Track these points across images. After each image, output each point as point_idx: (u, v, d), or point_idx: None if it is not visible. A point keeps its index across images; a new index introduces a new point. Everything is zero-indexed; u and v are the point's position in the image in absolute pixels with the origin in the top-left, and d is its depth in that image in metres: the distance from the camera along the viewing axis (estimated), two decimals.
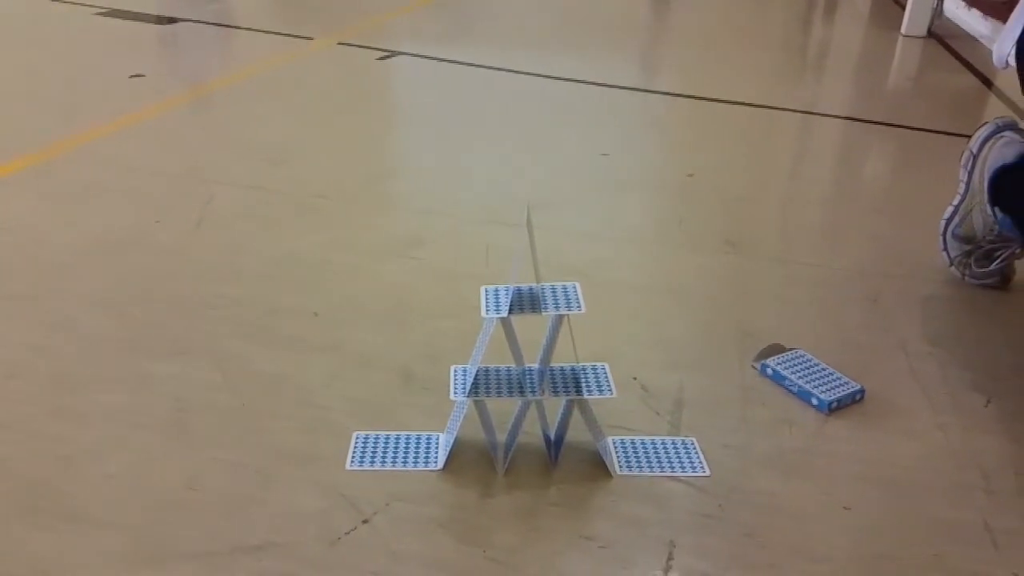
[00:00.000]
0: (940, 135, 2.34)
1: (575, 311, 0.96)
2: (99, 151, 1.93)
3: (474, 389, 1.01)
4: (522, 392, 1.01)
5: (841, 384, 1.19)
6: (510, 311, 0.97)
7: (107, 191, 1.72)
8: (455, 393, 1.02)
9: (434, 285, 1.44)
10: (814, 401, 1.16)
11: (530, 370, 1.03)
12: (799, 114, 2.49)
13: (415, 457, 1.04)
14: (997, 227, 1.45)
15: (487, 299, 0.99)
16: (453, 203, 1.76)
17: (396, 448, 1.05)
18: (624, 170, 1.98)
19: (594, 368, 1.04)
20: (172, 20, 3.17)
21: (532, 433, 1.08)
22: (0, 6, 3.19)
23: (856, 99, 2.69)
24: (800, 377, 1.19)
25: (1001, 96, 2.74)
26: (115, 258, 1.47)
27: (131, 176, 1.80)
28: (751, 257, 1.58)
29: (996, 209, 1.44)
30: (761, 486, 1.02)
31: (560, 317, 1.00)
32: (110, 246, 1.51)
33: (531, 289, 1.00)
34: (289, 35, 3.05)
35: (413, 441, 1.06)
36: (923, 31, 3.51)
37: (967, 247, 1.49)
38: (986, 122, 1.49)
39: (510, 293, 0.98)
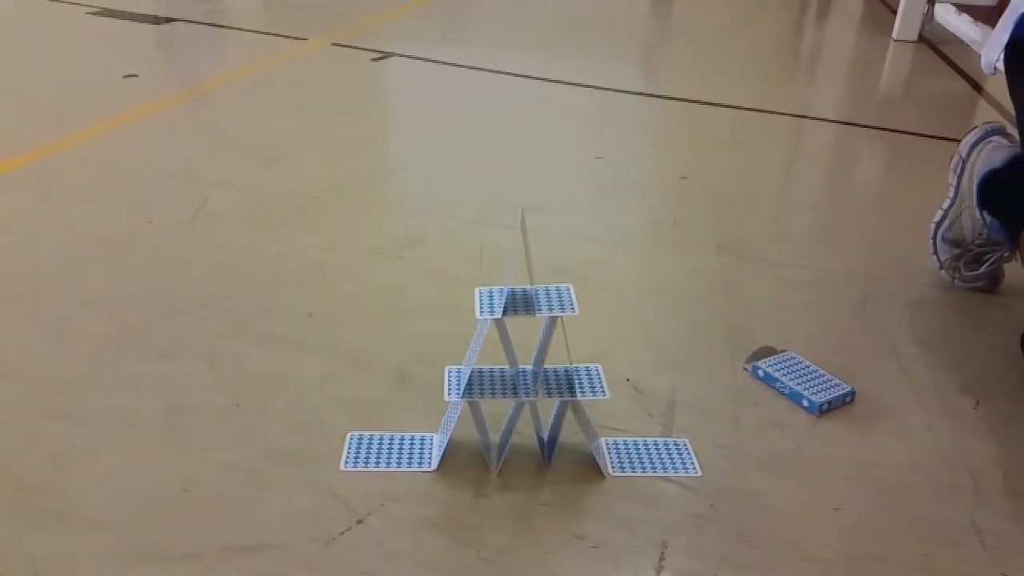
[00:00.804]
0: (930, 139, 2.35)
1: (568, 313, 0.97)
2: (92, 151, 1.93)
3: (468, 390, 1.01)
4: (516, 393, 1.01)
5: (832, 386, 1.19)
6: (504, 312, 0.97)
7: (100, 191, 1.72)
8: (449, 394, 1.02)
9: (428, 286, 1.44)
10: (805, 403, 1.17)
11: (524, 371, 1.04)
12: (791, 118, 2.50)
13: (409, 457, 1.04)
14: (986, 231, 1.46)
15: (481, 300, 1.00)
16: (447, 204, 1.76)
17: (390, 448, 1.05)
18: (618, 173, 1.99)
19: (587, 369, 1.05)
20: (166, 20, 3.17)
21: (525, 434, 1.08)
22: None
23: (848, 103, 2.70)
24: (791, 379, 1.20)
25: (991, 101, 2.75)
26: (108, 258, 1.47)
27: (124, 176, 1.80)
28: (744, 259, 1.59)
29: (985, 213, 1.45)
30: (753, 487, 1.03)
31: (553, 319, 1.01)
32: (103, 246, 1.51)
33: (525, 291, 1.00)
34: (283, 36, 3.05)
35: (407, 441, 1.07)
36: (914, 36, 3.53)
37: (957, 251, 1.51)
38: (975, 127, 1.50)
39: (504, 294, 0.99)
